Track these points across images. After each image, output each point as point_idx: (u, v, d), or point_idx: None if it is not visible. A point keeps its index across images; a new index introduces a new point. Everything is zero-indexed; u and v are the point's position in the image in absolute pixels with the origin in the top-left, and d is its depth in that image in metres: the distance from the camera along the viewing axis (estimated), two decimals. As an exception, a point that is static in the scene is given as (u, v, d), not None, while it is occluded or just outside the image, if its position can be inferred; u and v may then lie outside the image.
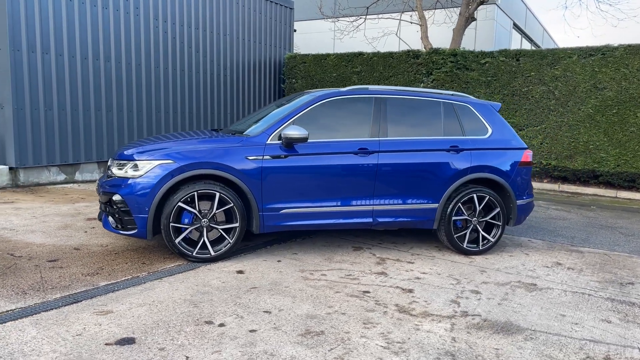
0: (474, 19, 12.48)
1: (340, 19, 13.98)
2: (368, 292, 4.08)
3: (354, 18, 13.72)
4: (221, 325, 3.28)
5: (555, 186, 10.61)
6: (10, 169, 7.77)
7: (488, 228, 5.41)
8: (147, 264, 4.45)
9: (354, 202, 4.95)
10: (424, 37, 12.68)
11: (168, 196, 4.45)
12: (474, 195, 5.25)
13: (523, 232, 6.57)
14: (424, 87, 11.23)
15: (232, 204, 4.56)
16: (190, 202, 4.48)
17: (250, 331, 3.21)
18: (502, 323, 3.60)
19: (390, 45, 14.18)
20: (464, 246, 5.29)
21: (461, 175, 5.22)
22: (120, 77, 9.24)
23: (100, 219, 4.93)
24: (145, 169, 4.43)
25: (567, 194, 10.27)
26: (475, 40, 17.98)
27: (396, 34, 13.64)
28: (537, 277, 4.72)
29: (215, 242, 4.64)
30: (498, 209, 5.34)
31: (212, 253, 4.57)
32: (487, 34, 18.22)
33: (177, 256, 4.64)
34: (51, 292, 3.67)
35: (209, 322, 3.30)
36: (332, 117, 5.10)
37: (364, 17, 13.62)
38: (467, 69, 10.75)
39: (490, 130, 5.49)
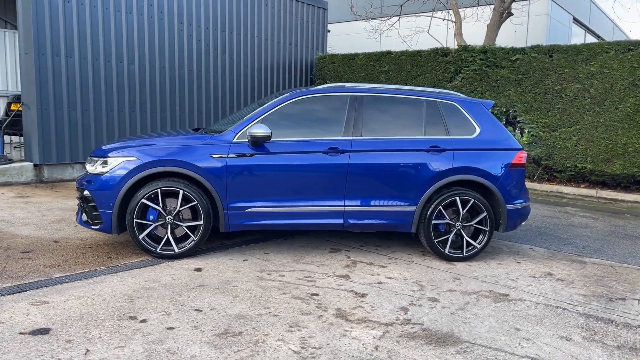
0: (510, 14, 11.84)
1: (373, 19, 13.77)
2: (316, 294, 3.95)
3: (387, 17, 13.45)
4: (143, 321, 3.29)
5: (592, 192, 9.84)
6: (35, 165, 8.29)
7: (477, 234, 5.09)
8: (112, 258, 4.57)
9: (323, 203, 4.83)
10: (458, 34, 12.20)
11: (133, 192, 4.55)
12: (457, 198, 4.96)
13: (529, 239, 6.14)
14: (451, 87, 10.81)
15: (196, 202, 4.58)
16: (154, 199, 4.55)
17: (168, 329, 3.20)
18: (442, 334, 3.36)
19: (424, 43, 13.75)
20: (446, 252, 5.01)
21: (441, 176, 4.95)
22: (144, 78, 9.60)
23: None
24: (111, 166, 4.55)
25: (604, 200, 9.49)
26: (527, 36, 17.10)
27: (427, 32, 13.23)
28: (515, 287, 4.38)
29: (181, 239, 4.69)
30: (484, 214, 5.01)
31: (176, 250, 4.61)
32: (539, 30, 17.27)
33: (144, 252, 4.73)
34: (4, 281, 3.85)
35: (133, 318, 3.33)
36: (305, 116, 5.01)
37: (399, 16, 13.32)
38: (497, 66, 10.23)
39: (478, 130, 5.16)
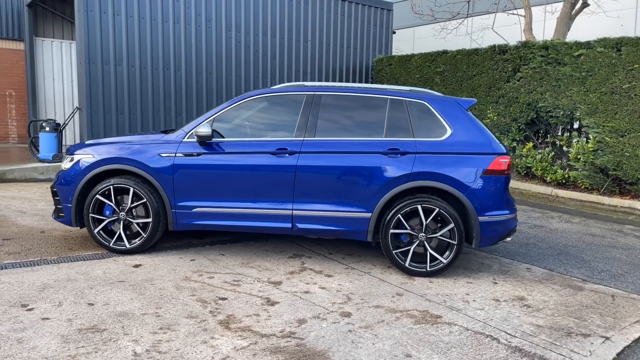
0: (586, 4, 10.44)
1: (438, 20, 13.05)
2: (225, 299, 3.82)
3: (453, 15, 12.65)
4: (29, 309, 3.43)
5: (674, 208, 8.29)
6: (85, 164, 9.14)
7: (448, 247, 4.55)
8: (72, 250, 4.84)
9: (270, 205, 4.66)
10: (527, 29, 11.08)
11: (90, 188, 4.79)
12: (419, 207, 4.49)
13: (538, 258, 5.36)
14: (509, 87, 9.85)
15: (145, 200, 4.70)
16: (109, 195, 4.74)
17: (43, 319, 3.29)
18: (313, 352, 3.04)
19: (492, 41, 12.62)
20: (406, 265, 4.55)
21: (399, 182, 4.51)
22: (191, 84, 10.12)
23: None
24: (72, 163, 4.84)
25: (686, 218, 7.95)
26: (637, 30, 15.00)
27: (492, 28, 12.18)
28: (460, 310, 3.84)
29: (136, 236, 4.82)
30: (452, 225, 4.47)
31: (127, 246, 4.76)
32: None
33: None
34: (-43, 264, 4.28)
35: (24, 305, 3.49)
36: (260, 115, 4.89)
37: (466, 14, 12.47)
38: (558, 63, 9.09)
39: (449, 132, 4.62)
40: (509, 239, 4.76)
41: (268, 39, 11.15)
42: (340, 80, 12.54)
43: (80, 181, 4.74)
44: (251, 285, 4.15)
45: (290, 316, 3.56)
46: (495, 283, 4.52)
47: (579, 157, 8.87)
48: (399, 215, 4.51)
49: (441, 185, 4.49)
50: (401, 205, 4.51)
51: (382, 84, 12.39)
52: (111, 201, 4.73)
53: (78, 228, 5.04)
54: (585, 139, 9.01)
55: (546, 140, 9.82)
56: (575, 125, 9.45)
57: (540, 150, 9.72)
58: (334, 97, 4.80)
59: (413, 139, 4.60)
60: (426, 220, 4.50)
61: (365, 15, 12.86)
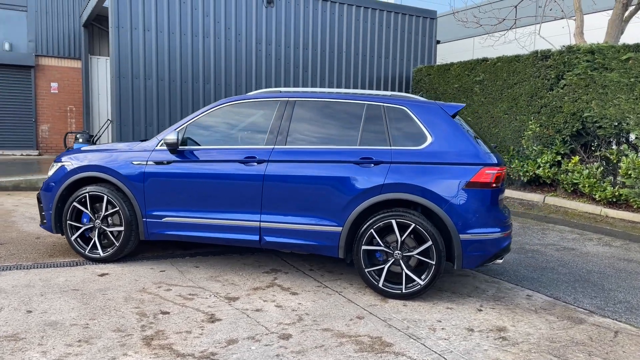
0: (642, 6, 9.40)
1: (486, 32, 12.35)
2: (167, 313, 3.63)
3: (498, 21, 11.91)
4: (-34, 313, 3.44)
5: None
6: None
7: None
8: (53, 257, 4.88)
9: (238, 217, 4.44)
10: (578, 33, 10.17)
11: (69, 196, 4.82)
12: (393, 221, 4.09)
13: (547, 284, 4.75)
14: (551, 96, 9.03)
15: (117, 208, 4.65)
16: (85, 202, 4.74)
17: (-28, 324, 3.28)
18: (219, 377, 2.77)
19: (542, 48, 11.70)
20: (379, 285, 4.14)
21: (371, 194, 4.14)
22: (220, 97, 10.21)
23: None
24: (53, 170, 4.91)
25: None
26: None
27: (538, 33, 11.29)
28: (419, 338, 3.40)
29: (110, 244, 4.78)
30: (429, 243, 4.02)
31: (101, 254, 4.73)
32: None
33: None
34: (-64, 266, 4.43)
35: (-36, 309, 3.50)
36: (234, 123, 4.71)
37: (514, 19, 11.70)
38: (605, 68, 8.20)
39: (429, 140, 4.19)
40: (500, 260, 4.22)
41: (300, 51, 11.07)
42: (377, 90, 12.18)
43: (59, 188, 4.79)
44: (204, 300, 3.93)
45: (224, 335, 3.30)
46: (480, 310, 4.00)
47: (629, 172, 7.91)
48: (372, 230, 4.12)
49: (416, 199, 4.06)
50: (374, 219, 4.13)
51: (422, 95, 11.88)
52: (87, 209, 4.73)
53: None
54: (636, 152, 8.03)
55: (595, 153, 8.88)
56: (630, 138, 8.47)
57: (588, 165, 8.80)
58: (308, 103, 4.53)
59: (389, 147, 4.22)
60: (401, 236, 4.09)
61: (406, 24, 12.46)
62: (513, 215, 8.30)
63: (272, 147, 4.42)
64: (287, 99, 4.56)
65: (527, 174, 9.54)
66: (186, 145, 4.62)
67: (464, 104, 4.51)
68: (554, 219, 8.12)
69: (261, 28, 10.58)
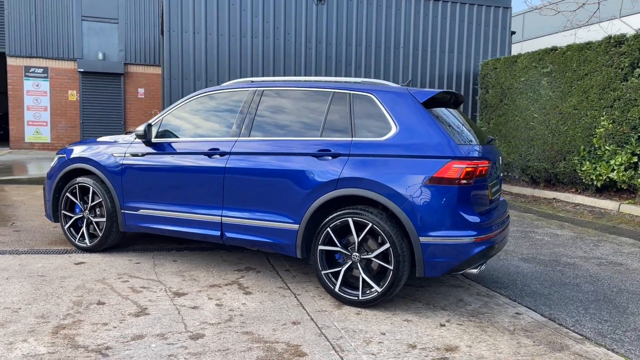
0: None
1: (566, 17, 10.99)
2: (103, 303, 3.60)
3: (578, 6, 10.51)
4: None
5: None
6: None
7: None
8: (52, 244, 5.11)
9: (202, 211, 4.31)
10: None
11: (64, 186, 5.04)
12: (349, 220, 3.70)
13: (554, 304, 4.04)
14: (625, 87, 7.76)
15: (100, 199, 4.76)
16: (76, 193, 4.91)
17: None
18: (90, 372, 2.64)
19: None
20: (336, 289, 3.77)
21: (327, 189, 3.77)
22: (269, 96, 10.22)
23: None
24: (54, 162, 5.17)
25: None
26: None
27: (619, 17, 9.74)
28: (344, 350, 3.01)
29: (97, 235, 4.91)
30: (387, 245, 3.57)
31: (88, 244, 4.87)
32: None
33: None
34: (-55, 248, 4.86)
35: None
36: (206, 114, 4.59)
37: (597, 3, 10.26)
38: (691, 52, 6.85)
39: (394, 130, 3.72)
40: (475, 270, 3.62)
41: (352, 48, 10.76)
42: (435, 88, 11.43)
43: (55, 179, 5.03)
44: (151, 294, 3.85)
45: (136, 330, 3.17)
46: (442, 326, 3.46)
47: None
48: (328, 229, 3.76)
49: (373, 195, 3.62)
50: (331, 217, 3.77)
51: (487, 91, 10.94)
52: (77, 199, 4.91)
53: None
54: None
55: (682, 153, 7.47)
56: None
57: (673, 167, 7.43)
58: (276, 93, 4.28)
59: (349, 138, 3.83)
60: (358, 237, 3.68)
61: (474, 15, 11.58)
62: (576, 224, 7.28)
63: (236, 139, 4.23)
64: (255, 88, 4.35)
65: (600, 177, 8.31)
66: (164, 137, 4.60)
67: (440, 90, 3.95)
68: (620, 230, 6.96)
69: (311, 26, 10.45)
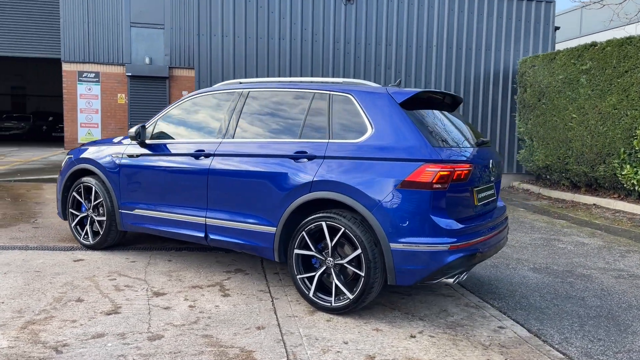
0: None
1: (613, 10, 10.24)
2: (81, 300, 3.71)
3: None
4: None
5: None
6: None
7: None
8: (62, 241, 5.33)
9: (188, 212, 4.34)
10: None
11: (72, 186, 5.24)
12: (323, 224, 3.60)
13: (546, 319, 3.76)
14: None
15: (102, 199, 4.92)
16: (81, 193, 5.10)
17: None
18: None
19: None
20: (310, 295, 3.69)
21: (302, 192, 3.70)
22: (296, 97, 10.23)
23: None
24: (64, 162, 5.39)
25: None
26: None
27: None
28: (295, 358, 2.92)
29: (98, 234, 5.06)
30: (359, 251, 3.45)
31: (91, 242, 5.04)
32: None
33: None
34: (-36, 242, 5.18)
35: None
36: (197, 116, 4.62)
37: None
38: None
39: (370, 131, 3.59)
40: (452, 280, 3.42)
41: (382, 47, 10.55)
42: (478, 87, 11.00)
43: (63, 178, 5.25)
44: (131, 292, 3.92)
45: (99, 329, 3.23)
46: (412, 337, 3.29)
47: None
48: (304, 232, 3.69)
49: (344, 198, 3.51)
50: (306, 220, 3.69)
51: (525, 90, 10.40)
52: (82, 198, 5.10)
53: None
54: None
55: None
56: None
57: None
58: (260, 94, 4.24)
59: (326, 140, 3.73)
60: (332, 241, 3.57)
61: (514, 10, 11.04)
62: (610, 232, 6.80)
63: (220, 140, 4.24)
64: (241, 90, 4.34)
65: (643, 182, 7.69)
66: (159, 139, 4.69)
67: (420, 89, 3.75)
68: (657, 239, 6.39)
69: (339, 26, 10.35)
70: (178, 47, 16.88)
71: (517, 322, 3.61)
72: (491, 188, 4.03)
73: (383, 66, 10.61)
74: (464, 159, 3.52)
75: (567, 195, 9.48)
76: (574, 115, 8.92)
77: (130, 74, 16.63)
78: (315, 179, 3.63)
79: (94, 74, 16.71)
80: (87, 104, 16.75)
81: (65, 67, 16.57)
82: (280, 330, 3.31)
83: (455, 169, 3.37)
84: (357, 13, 10.41)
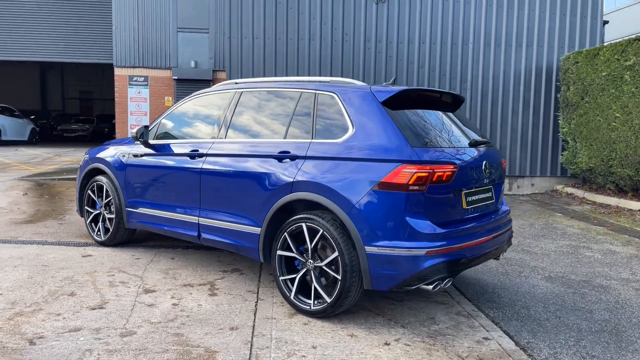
0: None
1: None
2: (74, 295, 3.84)
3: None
4: (-57, 273, 4.21)
5: None
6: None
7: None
8: (79, 237, 5.56)
9: (184, 211, 4.41)
10: None
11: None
12: (303, 225, 3.55)
13: (541, 332, 3.53)
14: None
15: (111, 197, 5.09)
16: (94, 191, 5.30)
17: None
18: None
19: None
20: (291, 297, 3.64)
21: (284, 192, 3.66)
22: (326, 98, 10.17)
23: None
24: (81, 162, 5.62)
25: None
26: None
27: None
28: (257, 359, 2.89)
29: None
30: (336, 254, 3.37)
31: (102, 238, 5.23)
32: None
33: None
34: (-10, 236, 5.52)
35: (-53, 270, 4.30)
36: (194, 116, 4.69)
37: None
38: None
39: (350, 131, 3.49)
40: (431, 287, 3.25)
41: (415, 46, 10.29)
42: (517, 85, 10.50)
43: (81, 177, 5.48)
44: (123, 289, 4.02)
45: (78, 323, 3.33)
46: (386, 345, 3.17)
47: None
48: (285, 234, 3.64)
49: (321, 199, 3.44)
50: (288, 221, 3.64)
51: (568, 88, 9.81)
52: (95, 196, 5.30)
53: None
54: None
55: None
56: None
57: None
58: (252, 94, 4.24)
59: (309, 140, 3.67)
60: (311, 243, 3.51)
61: (557, 4, 10.44)
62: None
63: (213, 140, 4.27)
64: (235, 90, 4.35)
65: (693, 186, 7.04)
66: (162, 139, 4.79)
67: (404, 88, 3.57)
68: (702, 249, 5.83)
69: (371, 25, 10.19)
70: (222, 50, 17.26)
71: (507, 334, 3.39)
72: (488, 191, 3.81)
73: (416, 65, 10.35)
74: (447, 160, 3.34)
75: (612, 200, 8.85)
76: (618, 115, 8.32)
77: (176, 78, 17.15)
78: (295, 179, 3.58)
79: (143, 78, 17.40)
80: (136, 106, 17.47)
81: (117, 71, 17.34)
82: (252, 332, 3.28)
83: (435, 170, 3.21)
84: (389, 11, 10.22)
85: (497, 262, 5.11)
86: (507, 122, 10.52)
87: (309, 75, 10.12)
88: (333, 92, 3.70)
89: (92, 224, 5.37)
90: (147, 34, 17.95)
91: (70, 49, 19.04)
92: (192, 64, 17.88)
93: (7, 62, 22.11)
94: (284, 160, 3.72)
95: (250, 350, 3.03)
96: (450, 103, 4.11)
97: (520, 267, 5.02)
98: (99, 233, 5.28)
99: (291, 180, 3.60)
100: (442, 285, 3.29)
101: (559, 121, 10.30)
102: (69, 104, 32.75)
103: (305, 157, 3.60)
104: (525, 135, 10.57)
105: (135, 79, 17.89)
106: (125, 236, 5.19)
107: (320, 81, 4.02)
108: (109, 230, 5.19)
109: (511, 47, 10.51)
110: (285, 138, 3.83)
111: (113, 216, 5.09)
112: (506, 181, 10.56)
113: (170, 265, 4.67)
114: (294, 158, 3.66)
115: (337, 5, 10.13)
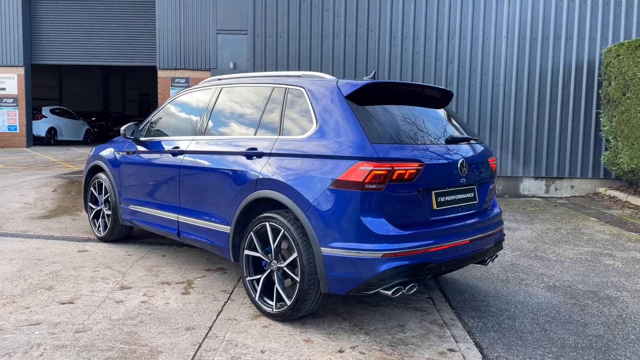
0: None
1: None
2: (52, 289, 3.91)
3: None
4: (-58, 264, 4.42)
5: None
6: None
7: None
8: (84, 233, 5.73)
9: (165, 209, 4.40)
10: None
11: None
12: (267, 224, 3.43)
13: (519, 346, 3.23)
14: None
15: (109, 194, 5.18)
16: (95, 187, 5.42)
17: None
18: (-44, 349, 2.88)
19: None
20: (256, 298, 3.54)
21: (249, 190, 3.56)
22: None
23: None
24: (86, 159, 5.77)
25: None
26: None
27: None
28: (195, 364, 2.80)
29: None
30: (295, 255, 3.23)
31: (102, 234, 5.34)
32: None
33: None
34: None
35: (-53, 261, 4.51)
36: (181, 113, 4.68)
37: None
38: None
39: (314, 126, 3.34)
40: (390, 292, 3.03)
41: (444, 41, 9.89)
42: (549, 82, 9.87)
43: (85, 175, 5.62)
44: (101, 284, 4.06)
45: (43, 317, 3.38)
46: (340, 352, 2.99)
47: None
48: (252, 233, 3.54)
49: (281, 198, 3.31)
50: (253, 220, 3.54)
51: (609, 83, 9.09)
52: (97, 193, 5.41)
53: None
54: None
55: None
56: None
57: None
58: (231, 89, 4.17)
59: (276, 136, 3.55)
60: (274, 243, 3.39)
61: (601, -5, 9.74)
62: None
63: (192, 138, 4.24)
64: (215, 86, 4.30)
65: None
66: (153, 136, 4.82)
67: (370, 81, 3.34)
68: None
69: (397, 21, 9.89)
70: (260, 51, 17.42)
71: (478, 346, 3.12)
72: (468, 191, 3.54)
73: (444, 61, 9.95)
74: (412, 157, 3.12)
75: (657, 204, 8.13)
76: (629, 117, 7.62)
77: (216, 78, 17.55)
78: (260, 177, 3.47)
79: (184, 80, 17.89)
80: (178, 107, 17.98)
81: (160, 73, 17.94)
82: (207, 333, 3.20)
83: (395, 167, 3.00)
84: (416, 6, 9.89)
85: (500, 268, 4.78)
86: (543, 119, 9.90)
87: (332, 74, 9.96)
88: (301, 87, 3.56)
89: (95, 219, 5.50)
90: (188, 37, 18.45)
91: (128, 53, 19.80)
92: (231, 64, 18.22)
93: (73, 66, 23.44)
94: (251, 158, 3.61)
95: (196, 352, 2.94)
96: (438, 98, 3.86)
97: (525, 274, 4.66)
98: (99, 229, 5.40)
99: (256, 178, 3.49)
100: (405, 290, 3.07)
101: (601, 119, 9.58)
102: (128, 106, 34.26)
103: (270, 154, 3.49)
104: (564, 134, 9.92)
105: (177, 80, 18.42)
106: (123, 232, 5.27)
107: (293, 75, 3.88)
108: (108, 226, 5.29)
109: (548, 40, 9.89)
110: (255, 135, 3.73)
111: (109, 212, 5.18)
112: (542, 183, 9.98)
113: (158, 263, 4.68)
114: (260, 155, 3.55)
115: (362, 2, 9.92)
